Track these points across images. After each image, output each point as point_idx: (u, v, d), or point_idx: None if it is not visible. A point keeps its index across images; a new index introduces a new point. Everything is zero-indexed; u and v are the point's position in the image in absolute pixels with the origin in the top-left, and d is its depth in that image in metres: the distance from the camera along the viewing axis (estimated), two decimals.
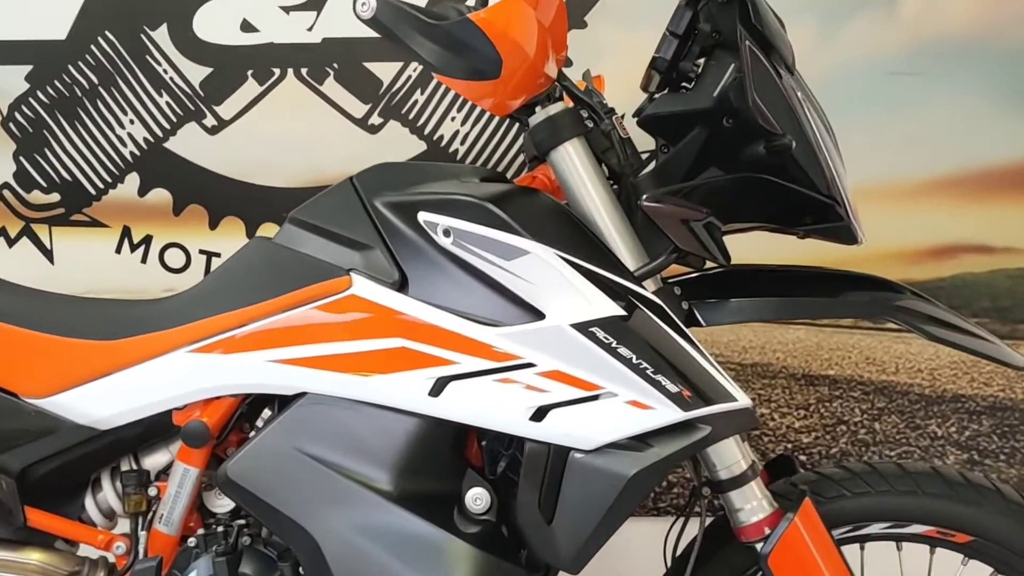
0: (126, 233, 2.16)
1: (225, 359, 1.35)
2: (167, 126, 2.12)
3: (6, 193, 2.14)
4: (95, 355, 1.38)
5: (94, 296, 1.56)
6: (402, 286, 1.31)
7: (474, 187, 1.34)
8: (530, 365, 1.24)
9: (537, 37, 1.18)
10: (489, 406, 1.25)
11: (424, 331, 1.28)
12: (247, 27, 2.07)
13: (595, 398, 1.23)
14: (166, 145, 2.13)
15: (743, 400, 1.26)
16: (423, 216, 1.29)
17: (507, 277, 1.26)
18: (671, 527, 1.52)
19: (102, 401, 1.38)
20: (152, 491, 1.43)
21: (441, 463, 1.31)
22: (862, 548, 1.48)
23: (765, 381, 2.20)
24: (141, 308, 1.45)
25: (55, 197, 2.16)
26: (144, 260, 2.17)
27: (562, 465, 1.24)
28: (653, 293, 1.29)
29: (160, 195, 2.15)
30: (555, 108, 1.32)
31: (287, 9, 2.07)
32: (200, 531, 1.40)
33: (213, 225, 2.15)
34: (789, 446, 2.20)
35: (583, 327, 1.21)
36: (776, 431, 2.20)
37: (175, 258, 2.17)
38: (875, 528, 1.43)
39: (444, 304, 1.29)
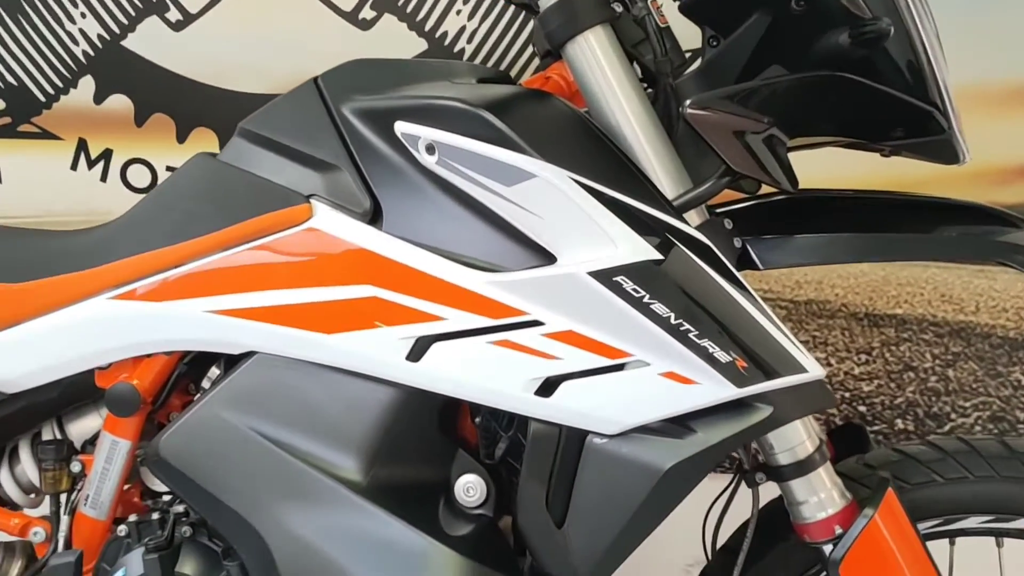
0: (82, 146, 1.88)
1: (155, 308, 1.08)
2: (124, 21, 1.82)
3: None
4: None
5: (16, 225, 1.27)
6: (375, 218, 1.03)
7: (468, 90, 1.03)
8: (536, 323, 0.95)
9: None
10: (482, 375, 0.97)
11: (401, 276, 0.99)
12: None
13: (620, 368, 0.94)
14: (124, 43, 1.83)
15: (815, 370, 0.96)
16: (401, 127, 1.00)
17: (507, 208, 0.96)
18: (711, 506, 1.24)
19: (7, 358, 1.12)
20: (76, 466, 1.18)
21: (424, 444, 1.04)
22: (952, 543, 1.20)
23: (821, 321, 1.90)
24: (57, 242, 1.17)
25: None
26: (104, 178, 1.88)
27: (577, 453, 0.97)
28: (697, 228, 0.99)
29: (119, 102, 1.86)
30: None
31: None
32: (132, 517, 1.14)
33: (181, 138, 1.86)
34: (847, 395, 1.91)
35: (605, 275, 0.92)
36: (832, 378, 1.91)
37: (139, 176, 1.88)
38: (972, 522, 1.15)
39: (427, 242, 1.00)
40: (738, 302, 0.95)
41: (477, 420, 1.05)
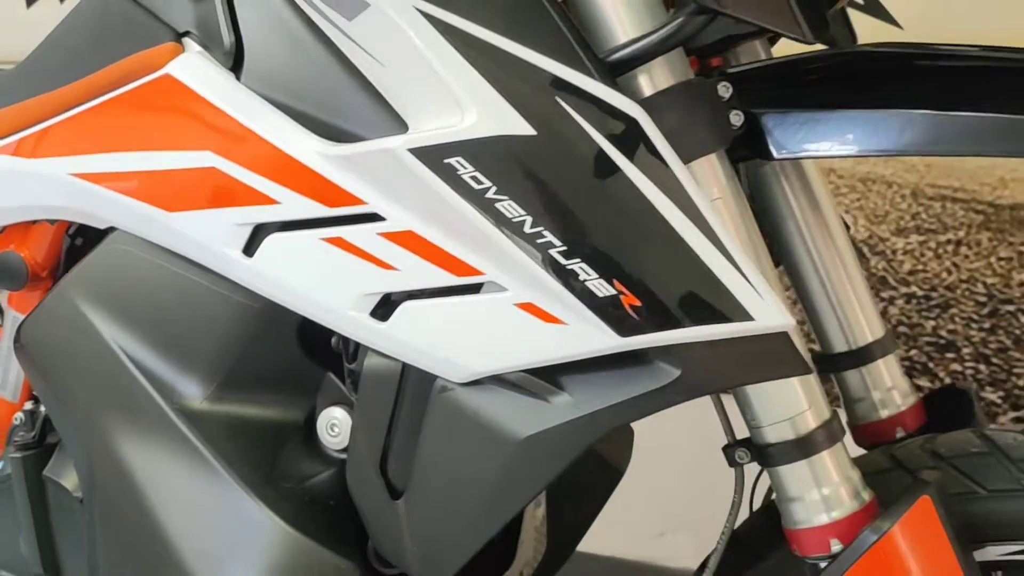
0: None
1: (27, 166, 0.90)
2: None
3: None
4: None
5: None
6: (237, 62, 0.78)
7: None
8: (375, 218, 0.68)
9: None
10: (312, 282, 0.72)
11: (244, 142, 0.76)
12: None
13: (475, 290, 0.66)
14: None
15: (772, 320, 0.63)
16: None
17: (353, 50, 0.69)
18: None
19: None
20: None
21: (279, 365, 0.80)
22: None
23: None
24: None
25: None
26: None
27: (423, 400, 0.70)
28: (664, 93, 0.68)
29: None
30: None
31: None
32: (29, 404, 1.00)
33: None
34: None
35: (433, 154, 0.63)
36: None
37: None
38: None
39: (286, 99, 0.75)
40: (655, 209, 0.63)
41: (333, 340, 0.79)
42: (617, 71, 0.67)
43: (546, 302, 0.62)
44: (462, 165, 0.62)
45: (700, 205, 0.64)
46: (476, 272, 0.65)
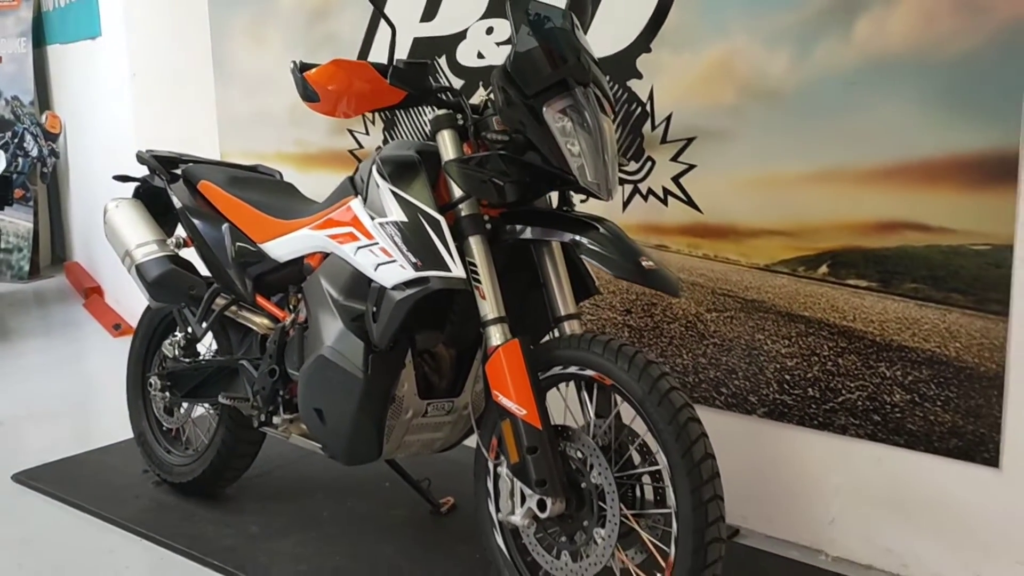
0: None
1: (315, 233, 2.80)
2: None
3: None
4: (279, 227, 2.95)
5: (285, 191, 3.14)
6: (364, 199, 2.63)
7: (405, 149, 2.60)
8: (376, 243, 2.49)
9: (337, 86, 2.42)
10: (365, 262, 2.52)
11: (359, 223, 2.59)
12: (480, 56, 3.43)
13: (393, 261, 2.43)
14: None
15: (455, 271, 2.35)
16: (374, 174, 2.59)
17: (380, 198, 2.52)
18: None
19: (279, 248, 2.95)
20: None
21: (365, 291, 2.59)
22: (567, 386, 2.42)
23: (761, 314, 2.90)
24: (302, 204, 2.98)
25: None
26: None
27: (384, 295, 2.47)
28: (466, 215, 2.44)
29: None
30: (440, 111, 2.52)
31: (499, 44, 3.38)
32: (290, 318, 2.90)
33: None
34: (778, 367, 2.89)
35: (381, 224, 2.44)
36: (768, 353, 2.90)
37: None
38: (573, 369, 2.36)
39: (371, 208, 2.57)
40: (431, 237, 2.37)
41: None
42: (457, 203, 2.44)
43: (402, 263, 2.38)
44: (389, 226, 2.42)
45: (448, 239, 2.38)
46: (391, 256, 2.43)
